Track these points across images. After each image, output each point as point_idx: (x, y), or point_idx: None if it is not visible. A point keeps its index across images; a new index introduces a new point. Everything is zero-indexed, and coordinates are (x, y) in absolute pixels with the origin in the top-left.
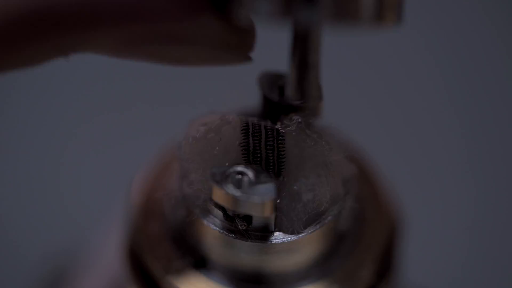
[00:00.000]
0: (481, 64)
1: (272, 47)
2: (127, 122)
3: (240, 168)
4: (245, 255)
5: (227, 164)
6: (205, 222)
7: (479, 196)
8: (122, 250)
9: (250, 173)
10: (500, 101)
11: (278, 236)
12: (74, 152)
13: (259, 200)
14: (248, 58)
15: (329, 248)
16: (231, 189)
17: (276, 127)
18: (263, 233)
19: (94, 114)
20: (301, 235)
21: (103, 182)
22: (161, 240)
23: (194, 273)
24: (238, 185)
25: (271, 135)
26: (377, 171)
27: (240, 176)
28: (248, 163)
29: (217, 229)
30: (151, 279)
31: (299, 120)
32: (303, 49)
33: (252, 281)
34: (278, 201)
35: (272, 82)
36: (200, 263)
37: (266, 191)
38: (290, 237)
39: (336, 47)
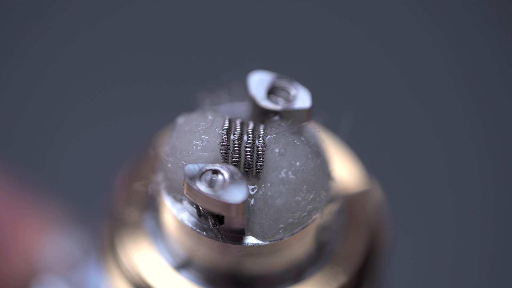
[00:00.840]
0: (482, 66)
1: (263, 47)
2: (112, 119)
3: (216, 167)
4: (216, 255)
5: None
6: (178, 218)
7: (471, 211)
8: (102, 241)
9: (225, 173)
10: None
11: (250, 239)
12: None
13: (228, 200)
14: None
15: (304, 256)
16: (203, 187)
17: (259, 130)
18: (237, 234)
19: (79, 114)
20: (272, 240)
21: (90, 174)
22: (140, 232)
23: (170, 270)
24: (211, 183)
25: (252, 137)
26: (365, 181)
27: (214, 175)
28: (226, 162)
29: (189, 225)
30: (129, 272)
31: (283, 125)
32: None
33: (227, 282)
34: (252, 204)
35: (261, 83)
36: (176, 260)
37: (237, 192)
38: (261, 242)
39: (330, 49)
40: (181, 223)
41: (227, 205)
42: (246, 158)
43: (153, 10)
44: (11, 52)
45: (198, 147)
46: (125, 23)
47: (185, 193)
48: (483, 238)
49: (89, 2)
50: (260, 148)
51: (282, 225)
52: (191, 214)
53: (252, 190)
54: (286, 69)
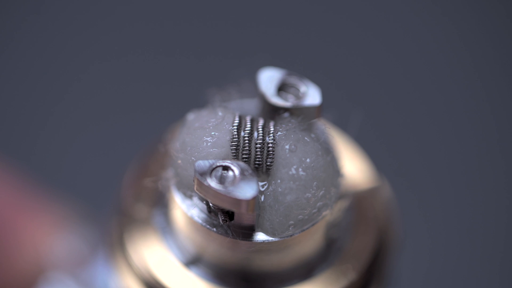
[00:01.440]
0: (489, 68)
1: (273, 45)
2: (121, 115)
3: (226, 163)
4: (226, 251)
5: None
6: (188, 213)
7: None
8: (111, 238)
9: (235, 169)
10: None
11: (260, 236)
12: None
13: (239, 196)
14: None
15: (314, 253)
16: (213, 183)
17: (269, 127)
18: (247, 230)
19: (88, 110)
20: (282, 237)
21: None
22: (149, 229)
23: (180, 267)
24: (222, 179)
25: (262, 134)
26: (374, 178)
27: (225, 171)
28: (236, 159)
29: (199, 221)
30: (138, 268)
31: (293, 122)
32: None
33: (236, 278)
34: (262, 200)
35: (271, 80)
36: (185, 257)
37: (248, 188)
38: (271, 238)
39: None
40: (191, 220)
41: (238, 201)
42: (256, 155)
43: (165, 8)
44: (13, 52)
45: (209, 144)
46: (137, 20)
47: (195, 189)
48: (493, 234)
49: None
50: (270, 145)
51: (292, 222)
52: (201, 211)
53: (262, 186)
54: (296, 67)
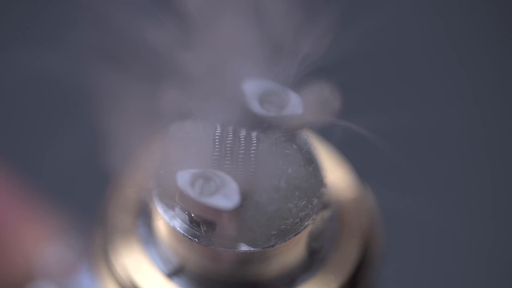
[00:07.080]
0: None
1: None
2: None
3: (207, 174)
4: (208, 261)
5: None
6: (171, 224)
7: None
8: (94, 247)
9: (216, 179)
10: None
11: (242, 246)
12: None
13: (220, 207)
14: None
15: (296, 263)
16: (194, 194)
17: (251, 137)
18: (229, 241)
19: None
20: (264, 247)
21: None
22: (132, 239)
23: (162, 277)
24: (203, 190)
25: (244, 144)
26: (358, 188)
27: (206, 182)
28: (218, 169)
29: (181, 232)
30: (121, 278)
31: (276, 132)
32: None
33: None
34: (244, 210)
35: (254, 90)
36: (168, 267)
37: (229, 199)
38: (253, 249)
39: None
40: (173, 230)
41: (219, 212)
42: (238, 165)
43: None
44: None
45: (190, 154)
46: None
47: (176, 199)
48: (481, 246)
49: None
50: (252, 155)
51: (274, 232)
52: (183, 221)
53: (244, 197)
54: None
